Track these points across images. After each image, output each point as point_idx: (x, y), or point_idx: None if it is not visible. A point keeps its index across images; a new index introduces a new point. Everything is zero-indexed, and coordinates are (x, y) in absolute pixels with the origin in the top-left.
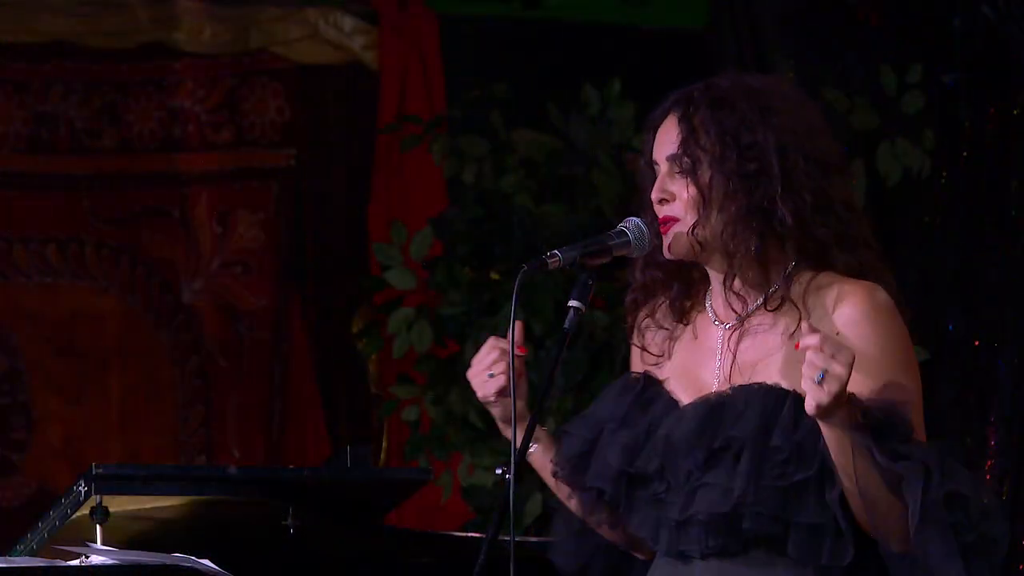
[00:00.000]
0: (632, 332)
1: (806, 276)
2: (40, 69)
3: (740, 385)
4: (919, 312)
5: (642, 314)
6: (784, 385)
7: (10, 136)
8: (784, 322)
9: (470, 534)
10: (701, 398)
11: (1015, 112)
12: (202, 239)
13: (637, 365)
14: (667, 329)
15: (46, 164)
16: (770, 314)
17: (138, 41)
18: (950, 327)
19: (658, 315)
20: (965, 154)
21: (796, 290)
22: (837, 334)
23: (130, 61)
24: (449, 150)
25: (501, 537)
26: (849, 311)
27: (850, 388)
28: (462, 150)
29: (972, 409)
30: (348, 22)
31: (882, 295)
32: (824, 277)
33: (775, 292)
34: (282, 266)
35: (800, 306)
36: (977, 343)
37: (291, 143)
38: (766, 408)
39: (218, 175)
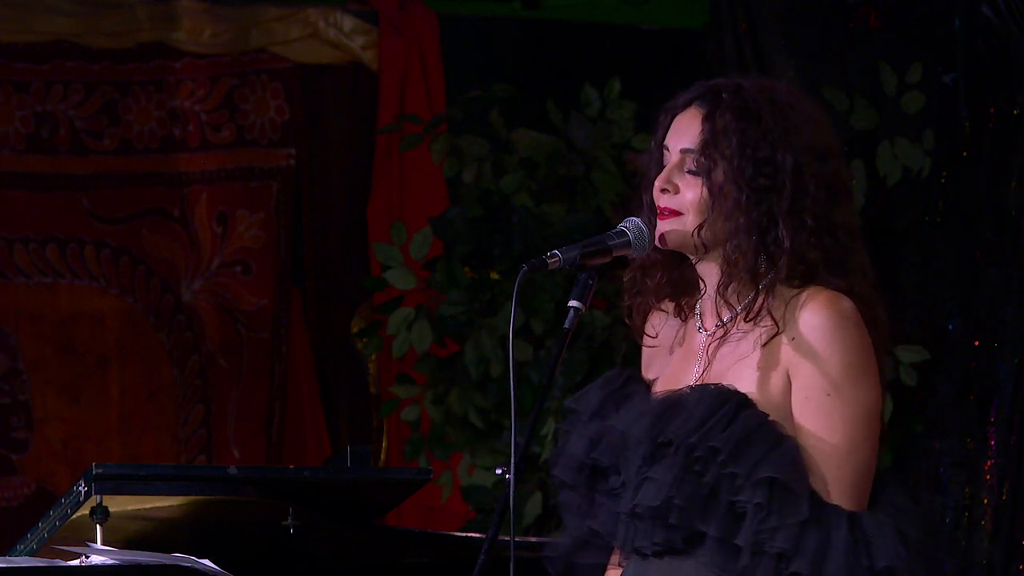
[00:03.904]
0: (628, 312)
1: (789, 292)
2: (40, 69)
3: (700, 385)
4: (919, 312)
5: (655, 297)
6: (741, 388)
7: (10, 136)
8: (759, 331)
9: (470, 534)
10: (661, 395)
11: (1015, 112)
12: (202, 239)
13: (646, 359)
14: (665, 312)
15: (46, 164)
16: (748, 323)
17: (138, 41)
18: (950, 327)
19: (667, 305)
20: (965, 154)
21: (777, 303)
22: (793, 339)
23: (130, 61)
24: (449, 150)
25: (501, 537)
26: (808, 316)
27: (801, 394)
28: (462, 150)
29: (972, 409)
30: (348, 22)
31: (846, 304)
32: (801, 289)
33: (752, 302)
34: (282, 266)
35: (777, 317)
36: (977, 343)
37: (291, 143)
38: (711, 407)
39: (218, 175)
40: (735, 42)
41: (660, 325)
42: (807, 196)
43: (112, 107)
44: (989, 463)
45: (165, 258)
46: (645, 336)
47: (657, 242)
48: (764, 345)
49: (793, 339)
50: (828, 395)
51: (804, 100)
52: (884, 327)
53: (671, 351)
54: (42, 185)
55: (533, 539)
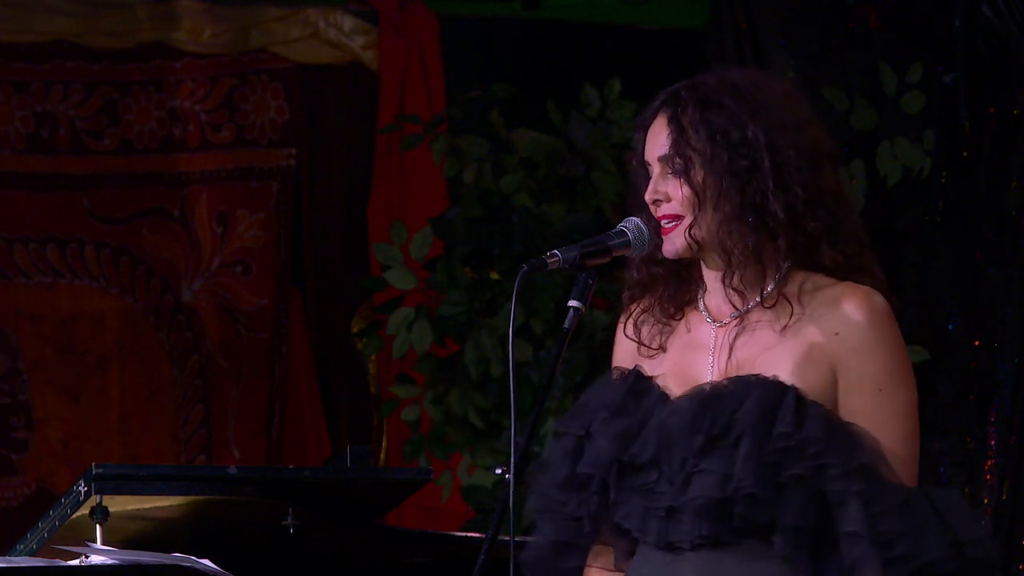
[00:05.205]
0: (622, 325)
1: (800, 275)
2: (40, 69)
3: (736, 376)
4: (919, 312)
5: (637, 308)
6: (782, 379)
7: (10, 136)
8: (781, 318)
9: (470, 534)
10: (695, 388)
11: (1015, 112)
12: (202, 239)
13: (622, 358)
14: (662, 323)
15: (46, 164)
16: (767, 311)
17: (138, 41)
18: (950, 327)
19: (653, 309)
20: (965, 154)
21: (792, 288)
22: (836, 334)
23: (130, 61)
24: (449, 150)
25: (501, 537)
26: (852, 312)
27: (852, 390)
28: (462, 150)
29: (972, 409)
30: (348, 22)
31: (879, 299)
32: (820, 278)
33: (772, 289)
34: (282, 266)
35: (795, 303)
36: (977, 343)
37: (291, 143)
38: (766, 398)
39: (218, 175)
40: (735, 42)
41: (651, 331)
42: (790, 167)
43: (112, 107)
44: (989, 463)
45: (165, 258)
46: (644, 347)
47: (667, 253)
48: (784, 330)
49: (837, 334)
50: (881, 391)
51: (769, 79)
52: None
53: (664, 349)
54: (42, 185)
55: (533, 539)
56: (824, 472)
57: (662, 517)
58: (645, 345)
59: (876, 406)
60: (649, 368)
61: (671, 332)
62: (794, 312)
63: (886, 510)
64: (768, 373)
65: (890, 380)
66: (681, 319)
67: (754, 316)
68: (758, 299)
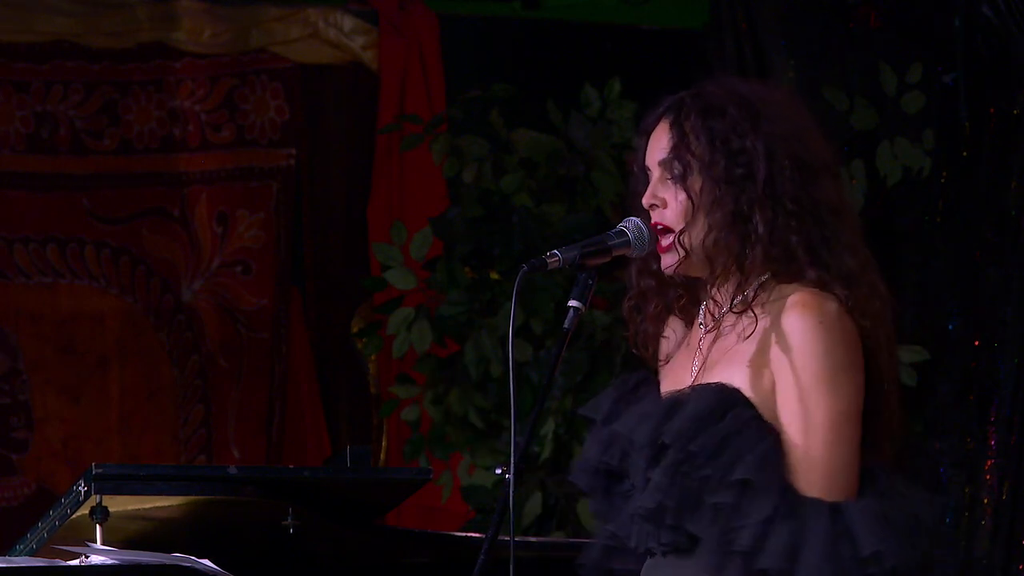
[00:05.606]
0: (633, 339)
1: (772, 284)
2: (40, 69)
3: (698, 384)
4: (919, 312)
5: (656, 324)
6: (735, 382)
7: (10, 136)
8: (743, 324)
9: (470, 534)
10: (665, 395)
11: (1015, 112)
12: (202, 239)
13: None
14: (666, 335)
15: (46, 164)
16: (736, 317)
17: (138, 41)
18: (950, 327)
19: (673, 322)
20: (965, 154)
21: (762, 296)
22: (776, 341)
23: (130, 61)
24: (449, 150)
25: (501, 537)
26: (790, 318)
27: (779, 396)
28: (462, 150)
29: (972, 409)
30: (348, 22)
31: (829, 306)
32: (788, 287)
33: (744, 297)
34: (282, 266)
35: (757, 310)
36: (977, 343)
37: (291, 143)
38: (703, 407)
39: (218, 175)
40: (735, 42)
41: (669, 345)
42: (783, 178)
43: (112, 107)
44: (989, 463)
45: (165, 258)
46: (660, 363)
47: (665, 271)
48: (747, 338)
49: (779, 340)
50: (807, 399)
51: (772, 89)
52: (881, 311)
53: (668, 359)
54: (42, 185)
55: (533, 539)
56: (707, 484)
57: (638, 524)
58: (650, 357)
59: (798, 415)
60: (662, 373)
61: (681, 338)
62: (754, 319)
63: (748, 524)
64: (724, 379)
65: (817, 388)
66: (691, 326)
67: (726, 322)
68: (729, 306)
